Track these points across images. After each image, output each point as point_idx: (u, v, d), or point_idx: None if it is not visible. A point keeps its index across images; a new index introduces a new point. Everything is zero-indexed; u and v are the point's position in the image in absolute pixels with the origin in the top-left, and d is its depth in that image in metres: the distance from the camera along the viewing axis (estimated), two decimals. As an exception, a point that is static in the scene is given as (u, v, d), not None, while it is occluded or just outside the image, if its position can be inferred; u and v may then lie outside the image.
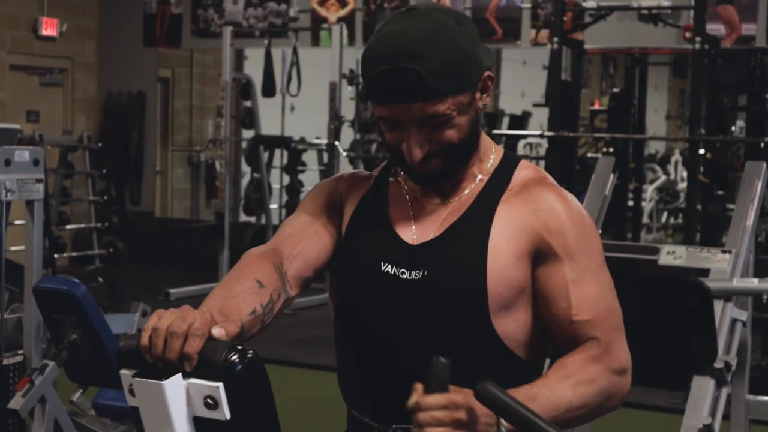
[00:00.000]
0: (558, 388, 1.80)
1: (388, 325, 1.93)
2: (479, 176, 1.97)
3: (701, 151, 8.29)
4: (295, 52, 10.27)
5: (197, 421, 1.57)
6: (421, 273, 1.90)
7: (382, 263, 1.94)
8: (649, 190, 13.73)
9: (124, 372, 1.60)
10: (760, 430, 3.77)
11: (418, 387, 1.66)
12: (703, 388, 2.97)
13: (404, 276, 1.92)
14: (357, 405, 2.00)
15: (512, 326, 1.90)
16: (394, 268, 1.93)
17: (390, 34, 1.84)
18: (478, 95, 1.90)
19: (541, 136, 9.10)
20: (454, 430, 1.64)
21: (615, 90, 11.08)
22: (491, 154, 1.99)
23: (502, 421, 1.67)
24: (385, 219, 1.99)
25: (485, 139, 2.00)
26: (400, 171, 2.02)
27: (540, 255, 1.89)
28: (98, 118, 12.00)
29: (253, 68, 11.42)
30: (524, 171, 1.98)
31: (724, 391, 3.04)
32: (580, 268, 1.89)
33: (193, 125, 13.10)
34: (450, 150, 1.89)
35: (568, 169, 8.41)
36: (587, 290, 1.89)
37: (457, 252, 1.89)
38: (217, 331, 1.61)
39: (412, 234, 1.95)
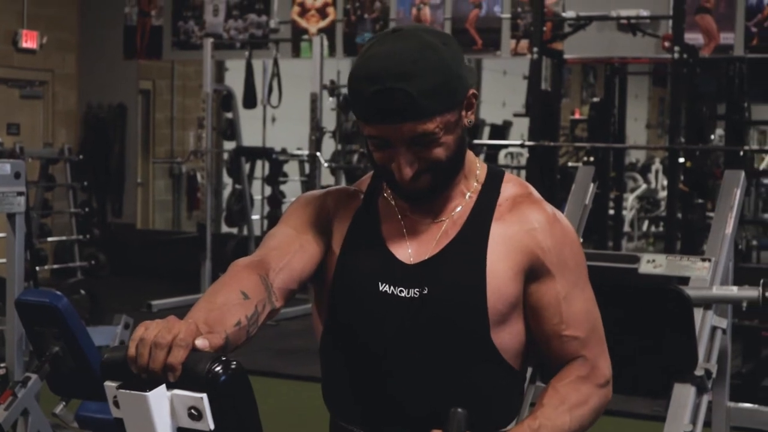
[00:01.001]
0: (556, 416, 1.92)
1: (385, 341, 1.96)
2: (468, 193, 2.01)
3: (681, 160, 8.33)
4: (275, 63, 10.27)
5: (181, 432, 1.58)
6: (420, 291, 1.94)
7: (379, 284, 1.97)
8: (630, 199, 13.78)
9: (108, 384, 1.60)
10: (740, 437, 3.79)
11: None
12: (684, 395, 2.99)
13: (402, 294, 1.95)
14: (345, 415, 2.02)
15: (508, 338, 1.97)
16: (392, 287, 1.96)
17: (377, 55, 1.86)
18: (464, 113, 1.94)
19: (522, 145, 9.13)
20: None
21: (595, 99, 11.12)
22: (476, 170, 2.04)
23: None
24: (379, 238, 2.01)
25: (470, 156, 2.03)
26: (387, 188, 2.04)
27: (533, 272, 1.96)
28: (79, 131, 11.97)
29: (234, 80, 11.43)
30: (510, 185, 2.04)
31: (705, 399, 3.06)
32: (570, 284, 1.98)
33: (174, 137, 13.09)
34: (438, 168, 1.92)
35: (548, 178, 8.43)
36: (577, 306, 1.99)
37: (456, 270, 1.94)
38: (201, 342, 1.62)
39: (407, 253, 1.98)
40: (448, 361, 1.94)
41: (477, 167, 2.04)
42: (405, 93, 1.83)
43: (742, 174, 3.52)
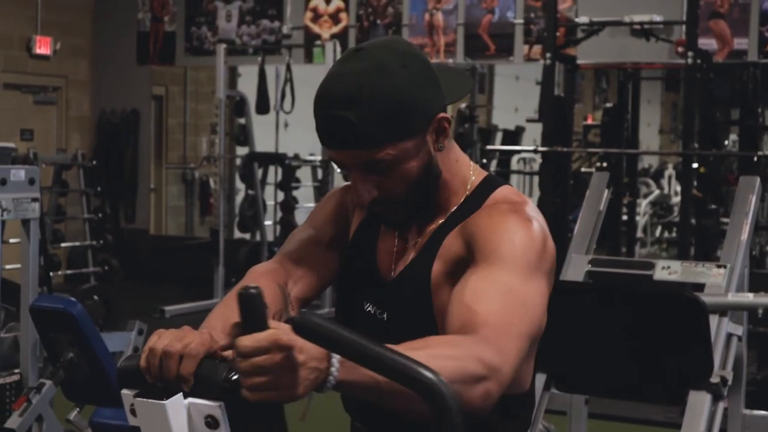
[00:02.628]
0: (413, 354, 1.51)
1: None
2: (453, 208, 1.91)
3: (695, 166, 8.31)
4: (288, 69, 10.28)
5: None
6: (386, 313, 1.91)
7: (365, 303, 1.95)
8: (643, 205, 13.76)
9: (125, 392, 1.61)
10: (756, 444, 3.78)
11: (235, 327, 1.46)
12: (699, 403, 2.98)
13: (379, 316, 1.92)
14: (357, 417, 2.03)
15: None
16: (373, 307, 1.94)
17: (330, 77, 1.80)
18: (431, 138, 1.83)
19: (535, 151, 9.12)
20: (279, 376, 1.41)
21: (608, 105, 11.09)
22: (467, 183, 1.93)
23: (334, 355, 1.44)
24: (373, 251, 1.98)
25: (460, 171, 1.93)
26: None
27: (467, 265, 1.79)
28: (92, 136, 11.99)
29: (247, 85, 11.43)
30: (499, 196, 1.89)
31: (721, 406, 3.04)
32: (494, 268, 1.73)
33: (186, 142, 13.10)
34: (400, 196, 1.84)
35: (561, 184, 8.41)
36: (495, 293, 1.70)
37: (407, 293, 1.87)
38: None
39: (391, 270, 1.95)
40: None
41: (471, 179, 1.93)
42: (347, 121, 1.74)
43: (758, 180, 3.51)
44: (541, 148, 8.34)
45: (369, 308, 1.93)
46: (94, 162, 10.63)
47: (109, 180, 11.53)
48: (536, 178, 11.50)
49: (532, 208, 1.85)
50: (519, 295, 1.71)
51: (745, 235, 3.41)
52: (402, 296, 1.87)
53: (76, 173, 10.12)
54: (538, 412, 3.18)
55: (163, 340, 1.59)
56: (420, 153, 1.82)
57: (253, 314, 1.42)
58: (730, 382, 3.05)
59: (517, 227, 1.78)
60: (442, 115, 1.83)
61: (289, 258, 2.03)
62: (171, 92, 12.85)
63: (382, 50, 1.80)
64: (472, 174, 1.93)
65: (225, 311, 1.85)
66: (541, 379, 3.19)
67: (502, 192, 1.89)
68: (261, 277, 1.96)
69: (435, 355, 1.49)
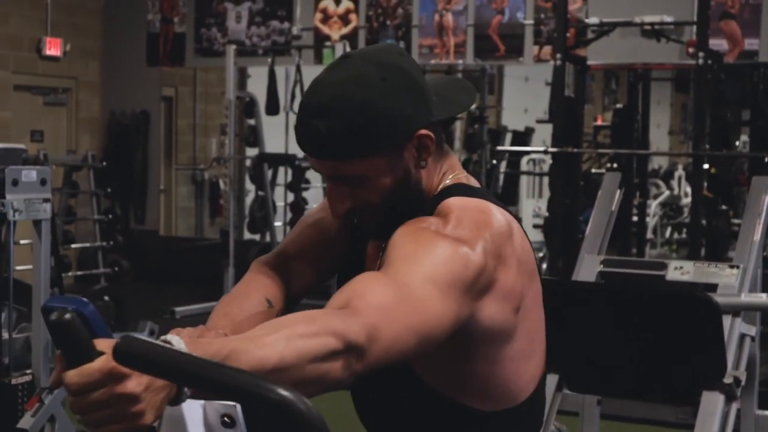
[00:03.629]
0: (260, 345, 1.40)
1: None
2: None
3: (705, 166, 8.29)
4: (298, 70, 10.28)
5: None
6: None
7: None
8: (653, 206, 13.73)
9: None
10: (769, 445, 3.77)
11: (58, 359, 1.28)
12: (712, 403, 2.97)
13: None
14: (372, 428, 2.02)
15: (434, 370, 1.80)
16: None
17: (312, 84, 1.77)
18: (410, 154, 1.78)
19: (545, 152, 9.12)
20: (122, 407, 1.25)
21: (618, 106, 11.08)
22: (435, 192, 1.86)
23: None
24: (363, 256, 1.96)
25: (436, 184, 1.86)
26: None
27: None
28: (102, 138, 12.01)
29: (257, 86, 11.44)
30: (441, 206, 1.78)
31: (734, 407, 3.04)
32: (393, 273, 1.63)
33: (196, 144, 13.12)
34: (374, 210, 1.80)
35: (571, 185, 8.41)
36: (386, 283, 1.60)
37: None
38: None
39: None
40: (396, 403, 1.88)
41: (442, 188, 1.86)
42: (317, 130, 1.71)
43: (771, 180, 3.50)
44: (551, 149, 8.33)
45: None
46: (104, 163, 10.64)
47: (119, 181, 11.55)
48: (546, 179, 11.49)
49: (463, 223, 1.72)
50: (413, 291, 1.59)
51: (758, 236, 3.40)
52: None
53: (86, 174, 10.13)
54: (550, 413, 3.17)
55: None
56: (394, 169, 1.77)
57: (73, 344, 1.23)
58: (743, 383, 3.05)
59: (427, 242, 1.68)
60: (423, 132, 1.77)
61: (293, 247, 2.01)
62: (181, 93, 12.86)
63: (366, 60, 1.75)
64: (445, 183, 1.87)
65: (235, 308, 1.85)
66: (553, 379, 3.19)
67: (447, 203, 1.79)
68: (266, 271, 1.96)
69: (289, 336, 1.41)
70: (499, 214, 1.78)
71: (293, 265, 1.98)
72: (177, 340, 1.32)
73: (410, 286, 1.60)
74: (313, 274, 2.01)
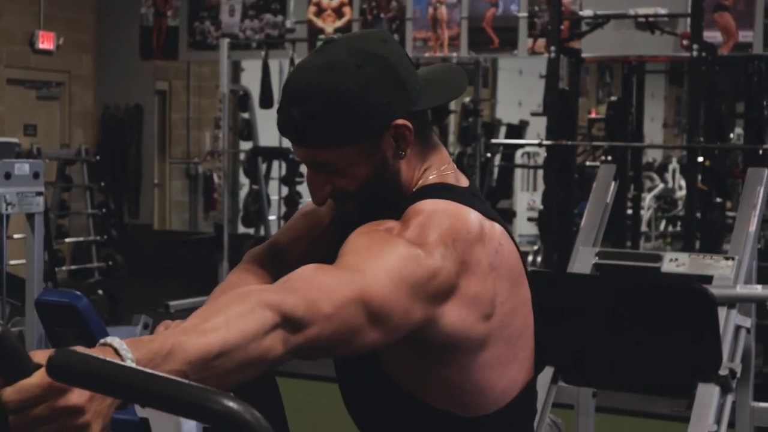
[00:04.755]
0: (207, 328, 1.37)
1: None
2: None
3: (700, 159, 8.29)
4: (292, 63, 10.26)
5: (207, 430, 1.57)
6: None
7: None
8: (648, 199, 13.74)
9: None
10: (764, 437, 3.76)
11: None
12: (708, 395, 2.96)
13: None
14: (359, 424, 2.00)
15: (394, 360, 1.77)
16: None
17: (294, 69, 1.76)
18: (388, 144, 1.75)
19: (540, 145, 9.10)
20: (67, 421, 1.18)
21: (612, 98, 11.09)
22: (414, 188, 1.82)
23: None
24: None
25: (416, 179, 1.83)
26: None
27: None
28: (96, 131, 11.99)
29: (251, 80, 11.42)
30: (411, 209, 1.74)
31: (729, 399, 3.03)
32: (342, 263, 1.60)
33: (190, 137, 13.10)
34: (351, 198, 1.78)
35: (566, 177, 8.40)
36: (331, 268, 1.58)
37: None
38: None
39: None
40: (372, 399, 1.86)
41: (422, 183, 1.82)
42: (291, 116, 1.70)
43: (766, 171, 3.49)
44: (545, 142, 8.32)
45: None
46: (98, 157, 10.60)
47: (113, 175, 11.52)
48: (540, 172, 11.47)
49: (427, 228, 1.68)
50: (359, 271, 1.55)
51: (753, 227, 3.40)
52: None
53: (79, 168, 10.10)
54: (545, 406, 3.17)
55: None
56: (370, 159, 1.74)
57: (7, 358, 1.15)
58: (738, 375, 3.04)
59: (380, 244, 1.64)
60: (400, 121, 1.74)
61: (286, 237, 2.00)
62: (174, 87, 12.85)
63: (346, 47, 1.73)
64: (425, 181, 1.83)
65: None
66: (548, 372, 3.18)
67: (417, 206, 1.74)
68: (258, 264, 1.95)
69: (229, 319, 1.37)
70: (472, 218, 1.73)
71: (286, 255, 1.97)
72: (118, 342, 1.26)
73: (358, 267, 1.56)
74: (309, 259, 1.99)
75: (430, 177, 1.82)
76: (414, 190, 1.81)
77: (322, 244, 1.97)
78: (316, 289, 1.49)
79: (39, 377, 1.16)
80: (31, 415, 1.16)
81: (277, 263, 1.96)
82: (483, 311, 1.71)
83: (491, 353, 1.76)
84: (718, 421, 2.97)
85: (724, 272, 3.32)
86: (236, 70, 12.14)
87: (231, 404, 1.10)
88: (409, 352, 1.72)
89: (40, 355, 1.18)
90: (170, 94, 12.79)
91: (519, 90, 16.11)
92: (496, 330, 1.75)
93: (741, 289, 3.25)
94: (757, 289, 3.26)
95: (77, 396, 1.17)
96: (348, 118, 1.69)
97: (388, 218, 1.74)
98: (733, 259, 3.35)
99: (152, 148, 12.12)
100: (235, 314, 1.38)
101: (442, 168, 1.84)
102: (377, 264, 1.58)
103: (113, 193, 11.56)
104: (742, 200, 3.48)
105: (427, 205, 1.73)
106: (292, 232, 2.01)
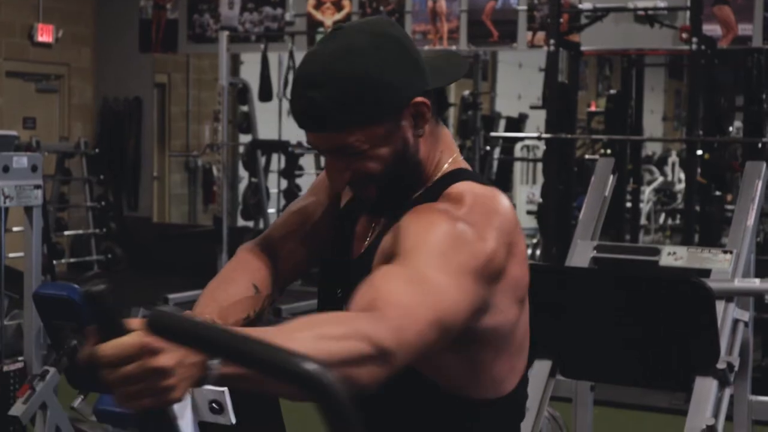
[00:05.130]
0: (296, 337, 1.37)
1: None
2: (413, 198, 1.83)
3: (699, 152, 8.29)
4: (291, 56, 10.26)
5: (203, 426, 1.57)
6: (343, 296, 1.79)
7: (338, 290, 1.88)
8: (647, 192, 13.74)
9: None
10: (763, 431, 3.76)
11: (90, 333, 1.27)
12: (706, 389, 2.97)
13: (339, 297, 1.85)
14: None
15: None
16: (343, 293, 1.82)
17: (306, 57, 1.77)
18: (408, 122, 1.77)
19: (539, 138, 9.10)
20: (154, 382, 1.26)
21: (612, 91, 11.08)
22: (438, 173, 1.85)
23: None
24: (350, 236, 1.93)
25: (440, 159, 1.85)
26: None
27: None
28: (95, 124, 11.98)
29: (250, 73, 11.42)
30: (453, 190, 1.77)
31: (727, 392, 3.04)
32: (410, 263, 1.62)
33: (189, 130, 13.09)
34: (374, 179, 1.78)
35: (565, 171, 8.40)
36: (405, 277, 1.59)
37: (357, 277, 1.69)
38: None
39: (361, 253, 1.88)
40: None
41: (444, 168, 1.85)
42: (313, 102, 1.71)
43: (764, 165, 3.50)
44: (544, 135, 8.32)
45: (340, 293, 1.86)
46: (97, 150, 10.63)
47: (112, 168, 11.52)
48: (540, 165, 11.47)
49: (476, 210, 1.72)
50: (431, 283, 1.58)
51: (751, 221, 3.40)
52: (354, 280, 1.71)
53: (78, 161, 10.12)
54: (543, 399, 3.17)
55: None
56: (393, 138, 1.76)
57: (106, 317, 1.23)
58: (736, 368, 3.05)
59: (440, 226, 1.67)
60: (419, 99, 1.76)
61: (278, 231, 2.00)
62: (174, 80, 12.83)
63: (358, 31, 1.75)
64: (449, 164, 1.86)
65: (222, 293, 1.85)
66: (546, 365, 3.18)
67: (458, 188, 1.77)
68: (253, 257, 1.95)
69: (319, 336, 1.39)
70: (508, 204, 1.78)
71: (279, 248, 1.98)
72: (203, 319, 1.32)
73: (428, 277, 1.59)
74: (302, 253, 2.00)
75: (449, 159, 1.86)
76: (439, 175, 1.84)
77: (314, 240, 1.99)
78: (402, 314, 1.51)
79: (135, 336, 1.24)
80: (122, 372, 1.24)
81: (271, 256, 1.97)
82: (519, 295, 1.76)
83: (517, 338, 1.81)
84: (716, 415, 2.98)
85: (723, 266, 3.32)
86: (235, 63, 12.14)
87: (310, 368, 1.15)
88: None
89: (134, 321, 1.27)
90: (169, 87, 12.78)
91: (518, 83, 16.10)
92: (524, 314, 1.80)
93: (739, 283, 3.25)
94: (755, 283, 3.26)
95: (167, 358, 1.25)
96: (372, 97, 1.71)
97: (423, 202, 1.77)
98: (731, 252, 3.35)
99: (151, 141, 12.11)
100: (325, 334, 1.41)
101: (454, 155, 1.88)
102: (443, 264, 1.60)
103: (112, 186, 11.57)
104: (741, 194, 3.48)
105: (466, 187, 1.77)
106: (284, 228, 2.01)
